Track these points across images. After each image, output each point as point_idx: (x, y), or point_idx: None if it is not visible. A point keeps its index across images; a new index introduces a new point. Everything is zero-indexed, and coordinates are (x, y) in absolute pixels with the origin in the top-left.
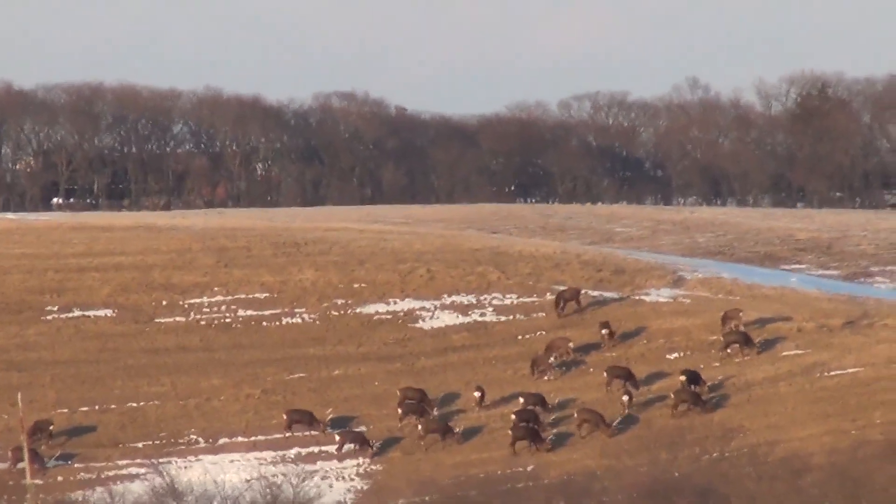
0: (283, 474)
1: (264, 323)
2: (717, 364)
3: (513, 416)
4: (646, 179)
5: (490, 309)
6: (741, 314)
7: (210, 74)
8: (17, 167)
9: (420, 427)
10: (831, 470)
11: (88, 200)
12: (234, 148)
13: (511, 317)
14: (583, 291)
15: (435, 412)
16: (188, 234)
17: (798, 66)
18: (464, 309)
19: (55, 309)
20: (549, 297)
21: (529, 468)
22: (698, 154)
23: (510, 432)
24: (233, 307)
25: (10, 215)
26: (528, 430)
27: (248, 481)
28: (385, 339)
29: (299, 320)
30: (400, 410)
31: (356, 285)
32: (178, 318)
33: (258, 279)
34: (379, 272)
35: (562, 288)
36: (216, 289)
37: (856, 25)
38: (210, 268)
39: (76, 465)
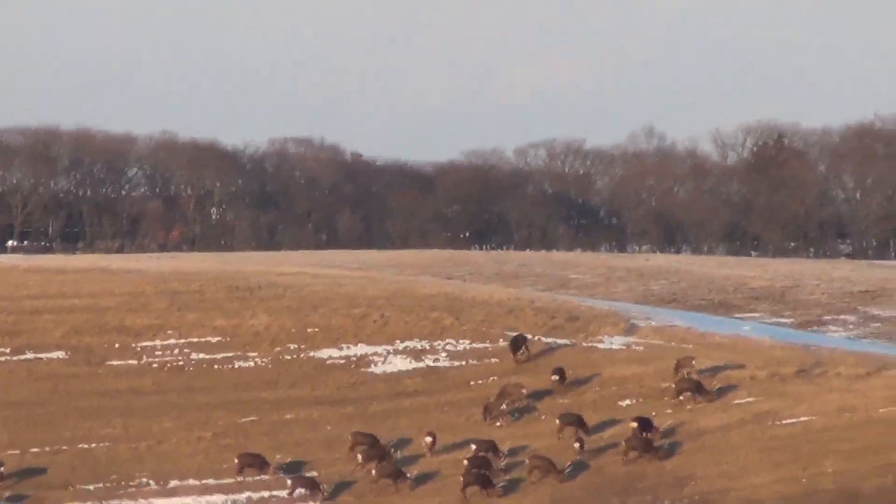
0: None
1: (217, 366)
2: (670, 411)
3: (465, 463)
4: (601, 227)
5: (443, 354)
6: (693, 362)
7: (166, 119)
8: None
9: (374, 472)
10: None
11: (43, 243)
12: (188, 192)
13: (464, 362)
14: (530, 337)
15: (395, 454)
16: (142, 277)
17: (754, 115)
18: (417, 354)
19: (7, 351)
20: (503, 343)
21: None
22: (654, 202)
23: (461, 478)
24: (185, 350)
25: None
26: (480, 477)
27: None
28: (338, 384)
29: (252, 364)
30: (360, 456)
31: (309, 330)
32: (130, 361)
33: (211, 323)
34: (332, 317)
35: (513, 334)
36: (169, 332)
37: (812, 76)
38: (163, 311)
39: None
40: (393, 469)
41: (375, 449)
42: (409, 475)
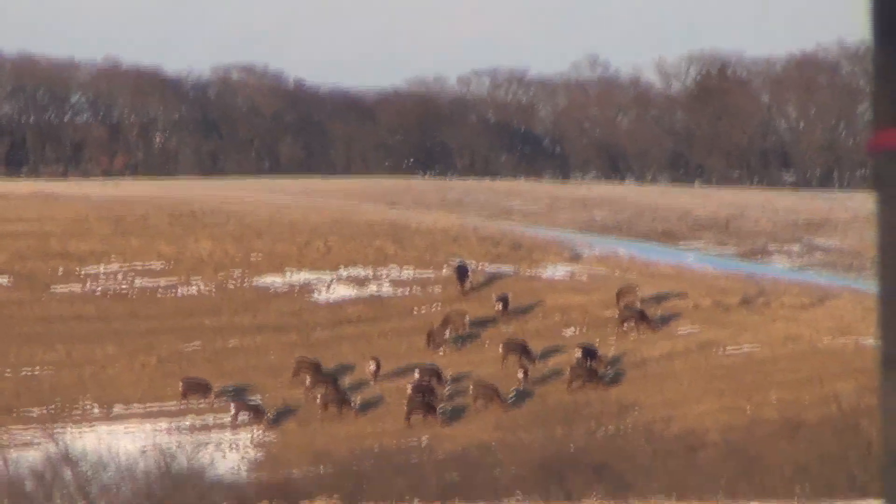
0: (178, 443)
1: (160, 293)
2: (614, 340)
3: (408, 389)
4: (544, 156)
5: (386, 282)
6: (637, 290)
7: (109, 46)
8: None
9: (319, 398)
10: (726, 447)
11: None
12: (132, 119)
13: (407, 290)
14: (473, 265)
15: (342, 383)
16: (85, 202)
17: (698, 45)
18: (360, 282)
19: None
20: (446, 271)
21: (424, 441)
22: (597, 131)
23: (405, 405)
24: (129, 276)
25: None
26: (423, 404)
27: (142, 450)
28: (281, 311)
29: (195, 291)
30: (308, 379)
31: (253, 256)
32: (74, 287)
33: (155, 249)
34: (276, 244)
35: (458, 262)
36: (113, 257)
37: (756, 5)
38: (107, 237)
39: None
40: (338, 395)
41: (320, 375)
42: (353, 402)
